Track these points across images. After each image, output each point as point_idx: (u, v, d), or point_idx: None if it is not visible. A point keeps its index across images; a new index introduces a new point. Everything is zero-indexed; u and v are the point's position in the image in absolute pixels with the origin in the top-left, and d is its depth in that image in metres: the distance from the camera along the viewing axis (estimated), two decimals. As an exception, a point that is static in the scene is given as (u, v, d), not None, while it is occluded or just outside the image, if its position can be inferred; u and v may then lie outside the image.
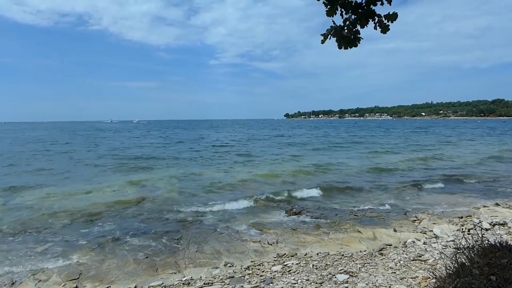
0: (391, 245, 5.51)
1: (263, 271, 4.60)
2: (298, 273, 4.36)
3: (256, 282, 4.17)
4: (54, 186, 11.25)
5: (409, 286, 3.66)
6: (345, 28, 2.58)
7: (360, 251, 5.32)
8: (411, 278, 3.87)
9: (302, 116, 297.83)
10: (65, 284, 4.71)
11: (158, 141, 33.03)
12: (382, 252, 5.12)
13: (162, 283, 4.60)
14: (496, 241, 3.23)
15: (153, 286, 4.56)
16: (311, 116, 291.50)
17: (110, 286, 4.66)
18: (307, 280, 4.05)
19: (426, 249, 5.00)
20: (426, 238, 5.78)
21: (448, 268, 2.98)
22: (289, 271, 4.48)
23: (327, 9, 2.49)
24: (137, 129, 69.93)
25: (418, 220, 7.22)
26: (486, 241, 3.30)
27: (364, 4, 2.50)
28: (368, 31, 2.60)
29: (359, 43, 2.63)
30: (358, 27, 2.58)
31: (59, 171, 14.64)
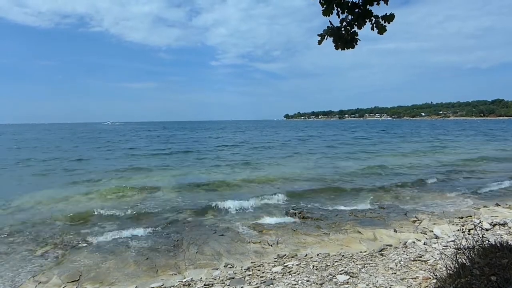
0: (391, 245, 5.51)
1: (263, 272, 4.60)
2: (298, 274, 4.36)
3: (257, 283, 4.16)
4: (54, 188, 11.25)
5: (409, 286, 3.66)
6: (342, 28, 2.56)
7: (361, 252, 5.32)
8: (412, 278, 3.87)
9: (302, 117, 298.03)
10: (65, 286, 4.71)
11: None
12: (383, 252, 5.11)
13: (162, 285, 4.60)
14: (497, 241, 3.23)
15: (153, 287, 4.56)
16: (311, 116, 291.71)
17: (110, 288, 4.66)
18: (308, 281, 4.05)
19: (426, 249, 4.99)
20: (426, 238, 5.77)
21: (449, 268, 2.97)
22: (289, 272, 4.48)
23: (323, 8, 2.48)
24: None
25: (418, 220, 7.21)
26: (487, 242, 3.30)
27: (361, 3, 2.49)
28: (369, 32, 2.58)
29: (356, 44, 2.62)
30: (355, 28, 2.56)
31: (60, 173, 14.65)
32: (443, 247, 4.95)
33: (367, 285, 3.78)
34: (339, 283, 3.92)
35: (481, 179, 12.33)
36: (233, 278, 4.47)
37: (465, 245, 3.21)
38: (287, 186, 11.46)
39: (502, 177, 12.45)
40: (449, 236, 5.59)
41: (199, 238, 6.43)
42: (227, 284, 4.28)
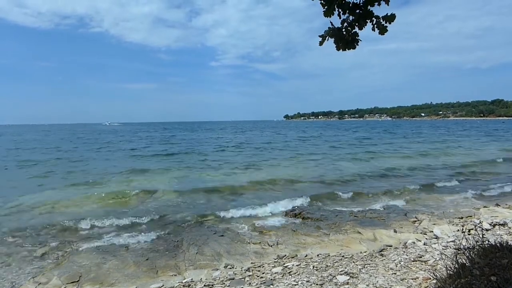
0: (391, 246, 5.50)
1: (263, 273, 4.59)
2: (298, 274, 4.36)
3: (257, 284, 4.16)
4: (54, 189, 11.24)
5: (409, 287, 3.66)
6: (343, 29, 2.56)
7: (361, 252, 5.32)
8: (412, 279, 3.87)
9: (302, 118, 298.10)
10: (65, 287, 4.71)
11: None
12: (383, 253, 5.11)
13: (163, 285, 4.60)
14: (497, 242, 3.23)
15: (153, 288, 4.55)
16: (311, 117, 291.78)
17: (110, 289, 4.65)
18: (308, 281, 4.05)
19: (426, 249, 4.99)
20: (426, 238, 5.78)
21: (449, 268, 2.97)
22: (289, 272, 4.47)
23: (324, 9, 2.48)
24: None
25: (418, 220, 7.22)
26: (487, 242, 3.30)
27: (362, 4, 2.49)
28: (370, 32, 2.58)
29: (358, 45, 2.62)
30: (356, 28, 2.56)
31: (60, 174, 14.64)
32: (443, 248, 4.95)
33: (367, 285, 3.78)
34: (339, 283, 3.92)
35: (481, 180, 12.34)
36: (233, 278, 4.47)
37: (465, 245, 3.21)
38: (288, 187, 11.46)
39: (503, 178, 12.47)
40: (449, 237, 5.59)
41: (199, 239, 6.43)
42: (227, 284, 4.27)
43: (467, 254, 3.04)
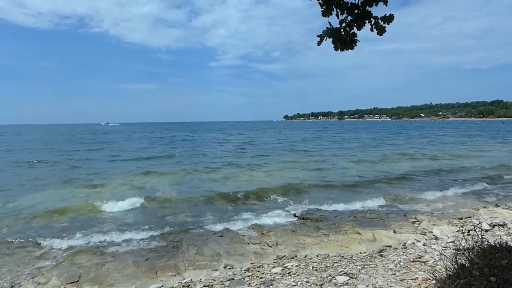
0: (390, 246, 5.50)
1: (263, 273, 4.59)
2: (298, 275, 4.35)
3: (256, 284, 4.16)
4: (54, 190, 11.24)
5: (409, 287, 3.66)
6: (342, 30, 2.56)
7: (360, 253, 5.31)
8: (411, 279, 3.86)
9: (301, 118, 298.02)
10: (64, 287, 4.70)
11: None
12: (382, 253, 5.11)
13: (162, 286, 4.59)
14: (496, 242, 3.23)
15: (152, 288, 4.55)
16: (310, 117, 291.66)
17: (109, 289, 4.65)
18: (307, 282, 4.04)
19: (426, 250, 4.99)
20: (425, 239, 5.77)
21: (448, 269, 2.97)
22: (289, 273, 4.47)
23: (322, 9, 2.48)
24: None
25: (417, 221, 7.21)
26: (486, 242, 3.30)
27: (360, 4, 2.49)
28: (370, 32, 2.57)
29: (356, 45, 2.62)
30: (355, 29, 2.56)
31: (59, 175, 14.63)
32: (443, 248, 4.94)
33: (367, 286, 3.78)
34: (339, 284, 3.91)
35: (481, 180, 12.33)
36: (233, 279, 4.46)
37: (464, 246, 3.21)
38: (288, 187, 11.43)
39: (503, 179, 12.47)
40: (448, 237, 5.59)
41: (198, 239, 6.42)
42: (227, 285, 4.27)
43: (467, 254, 3.04)
